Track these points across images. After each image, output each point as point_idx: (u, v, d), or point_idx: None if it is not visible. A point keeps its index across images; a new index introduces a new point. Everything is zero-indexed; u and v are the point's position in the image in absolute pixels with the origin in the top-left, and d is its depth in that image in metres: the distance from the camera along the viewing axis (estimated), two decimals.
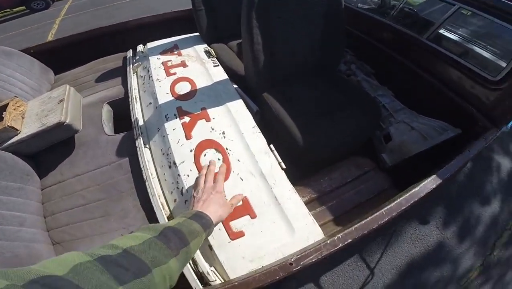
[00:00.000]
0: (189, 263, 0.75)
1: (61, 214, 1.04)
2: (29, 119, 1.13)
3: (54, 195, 1.09)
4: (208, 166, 0.84)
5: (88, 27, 1.77)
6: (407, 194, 0.82)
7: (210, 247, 0.78)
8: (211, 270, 0.74)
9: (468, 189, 1.84)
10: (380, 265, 1.53)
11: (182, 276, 0.73)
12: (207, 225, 0.62)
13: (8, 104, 1.14)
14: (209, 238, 0.78)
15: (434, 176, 0.87)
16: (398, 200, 0.81)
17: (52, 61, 1.67)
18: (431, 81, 1.28)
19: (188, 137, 0.99)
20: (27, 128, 1.09)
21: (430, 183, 0.85)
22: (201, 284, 0.72)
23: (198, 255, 0.76)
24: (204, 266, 0.74)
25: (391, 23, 1.44)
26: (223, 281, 0.75)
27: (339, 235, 0.74)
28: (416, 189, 0.83)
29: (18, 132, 1.09)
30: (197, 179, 0.81)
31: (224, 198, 0.76)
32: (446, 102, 1.23)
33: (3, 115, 1.10)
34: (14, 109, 1.14)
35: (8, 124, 1.05)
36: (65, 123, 1.05)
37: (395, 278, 1.49)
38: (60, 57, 1.70)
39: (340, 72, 1.62)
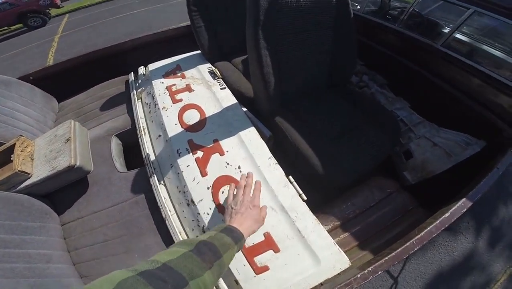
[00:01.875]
0: None
1: (84, 249, 1.04)
2: (38, 161, 1.11)
3: (74, 231, 1.08)
4: (246, 178, 0.86)
5: (88, 44, 1.74)
6: (437, 222, 0.79)
7: (236, 281, 0.78)
8: None
9: (495, 195, 1.79)
10: (404, 274, 1.51)
11: None
12: (238, 238, 0.63)
13: (14, 145, 1.12)
14: (235, 273, 0.79)
15: (464, 199, 0.83)
16: (428, 228, 0.78)
17: (53, 87, 1.63)
18: (449, 90, 1.23)
19: (203, 174, 0.96)
20: (38, 171, 1.07)
21: (460, 207, 0.82)
22: None
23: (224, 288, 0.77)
24: None
25: (401, 29, 1.38)
26: None
27: (370, 269, 0.73)
28: (447, 215, 0.81)
29: (30, 175, 1.07)
30: (236, 191, 0.82)
31: (259, 213, 0.78)
32: (466, 112, 1.19)
33: (11, 158, 1.08)
34: (21, 151, 1.12)
35: (19, 169, 1.03)
36: (76, 166, 1.02)
37: (421, 285, 1.47)
38: (61, 82, 1.65)
39: (351, 84, 1.55)
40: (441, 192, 1.05)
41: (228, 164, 0.98)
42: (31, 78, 1.57)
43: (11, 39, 6.07)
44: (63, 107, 1.62)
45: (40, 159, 1.12)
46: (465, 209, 0.82)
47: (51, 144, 1.13)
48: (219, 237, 0.58)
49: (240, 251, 0.81)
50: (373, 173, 1.19)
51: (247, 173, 0.88)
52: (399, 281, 1.49)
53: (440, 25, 1.37)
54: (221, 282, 0.78)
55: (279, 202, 0.89)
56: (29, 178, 1.07)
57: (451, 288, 1.46)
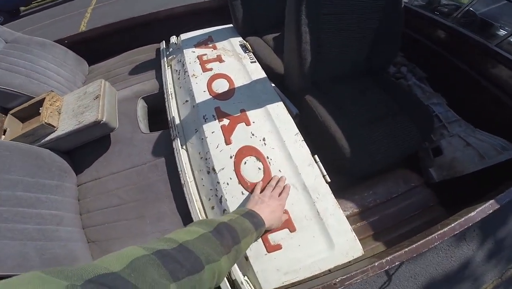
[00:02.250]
0: None
1: (97, 212, 1.04)
2: (66, 115, 1.12)
3: (89, 192, 1.09)
4: (278, 181, 0.83)
5: (120, 16, 1.74)
6: (462, 219, 0.75)
7: (246, 257, 0.77)
8: (245, 280, 0.74)
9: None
10: (399, 273, 1.49)
11: None
12: (259, 224, 0.61)
13: (44, 99, 1.14)
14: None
15: (492, 201, 0.78)
16: (452, 224, 0.74)
17: (86, 52, 1.67)
18: (494, 92, 1.15)
19: (227, 142, 0.94)
20: (64, 125, 1.08)
21: (487, 208, 0.77)
22: None
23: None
24: (238, 275, 0.74)
25: (453, 25, 1.29)
26: None
27: (388, 258, 0.70)
28: (473, 214, 0.76)
29: (55, 128, 1.08)
30: (266, 187, 0.81)
31: (281, 212, 0.77)
32: (508, 117, 1.10)
33: (40, 110, 1.10)
34: (50, 104, 1.13)
35: (45, 121, 1.04)
36: (102, 122, 1.02)
37: (411, 286, 1.45)
38: (93, 47, 1.69)
39: (388, 74, 1.47)
40: (463, 193, 1.01)
41: (253, 134, 0.95)
42: (65, 41, 1.61)
43: (47, 10, 6.29)
44: (93, 70, 1.65)
45: (67, 113, 1.13)
46: (491, 211, 0.77)
47: (80, 100, 1.14)
48: (240, 221, 0.55)
49: None
50: (397, 165, 1.14)
51: (280, 177, 0.85)
52: (393, 279, 1.46)
53: (495, 27, 1.28)
54: None
55: (301, 180, 0.86)
56: (55, 131, 1.08)
57: None
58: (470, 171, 1.05)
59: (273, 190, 0.79)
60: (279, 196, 0.78)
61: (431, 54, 1.43)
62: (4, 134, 1.12)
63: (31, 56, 1.35)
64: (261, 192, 0.79)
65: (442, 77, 1.40)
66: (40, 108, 1.10)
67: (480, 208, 0.76)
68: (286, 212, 0.81)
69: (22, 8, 6.67)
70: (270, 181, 0.84)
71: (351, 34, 1.13)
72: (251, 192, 0.83)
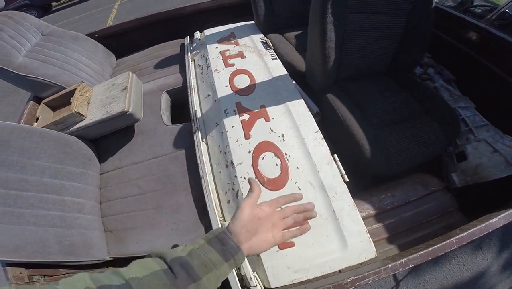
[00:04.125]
0: None
1: (116, 201, 1.08)
2: (94, 105, 1.18)
3: (111, 181, 1.14)
4: (303, 204, 0.62)
5: (146, 12, 1.80)
6: (483, 225, 0.71)
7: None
8: (254, 276, 0.74)
9: None
10: (408, 279, 1.44)
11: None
12: (229, 253, 0.46)
13: (75, 89, 1.20)
14: None
15: None
16: (472, 230, 0.71)
17: (114, 46, 1.74)
18: None
19: (247, 136, 0.95)
20: (92, 114, 1.14)
21: (510, 215, 0.73)
22: (241, 287, 0.73)
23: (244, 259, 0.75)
24: (247, 270, 0.74)
25: (487, 27, 1.23)
26: (263, 287, 0.75)
27: (402, 260, 0.68)
28: (494, 220, 0.72)
29: (84, 117, 1.14)
30: (283, 209, 0.59)
31: (276, 237, 0.55)
32: None
33: (70, 100, 1.16)
34: (80, 95, 1.19)
35: (75, 110, 1.10)
36: (128, 112, 1.07)
37: None
38: (121, 41, 1.77)
39: (414, 75, 1.43)
40: (485, 200, 0.97)
41: (272, 130, 0.96)
42: (96, 35, 1.69)
43: (76, 6, 6.58)
44: (120, 63, 1.72)
45: (96, 103, 1.19)
46: None
47: (108, 91, 1.20)
48: (204, 252, 0.44)
49: None
50: (418, 168, 1.09)
51: (308, 204, 0.62)
52: (401, 285, 1.42)
53: None
54: None
55: (319, 179, 0.86)
56: (83, 120, 1.14)
57: None
58: (495, 178, 1.00)
59: (284, 216, 0.58)
60: (284, 229, 0.57)
61: (460, 56, 1.37)
62: (36, 122, 1.19)
63: (64, 49, 1.43)
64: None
65: (471, 80, 1.34)
66: (71, 98, 1.16)
67: (502, 215, 0.73)
68: None
69: (54, 4, 7.01)
70: (294, 207, 0.60)
71: (378, 33, 1.11)
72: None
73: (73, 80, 1.34)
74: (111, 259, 1.00)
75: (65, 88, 1.28)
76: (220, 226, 0.84)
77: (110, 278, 0.35)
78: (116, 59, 1.76)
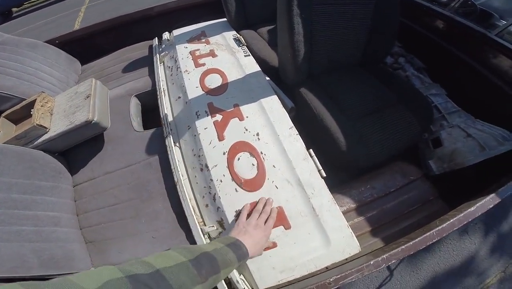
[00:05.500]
0: None
1: (93, 212, 1.03)
2: (57, 116, 1.11)
3: (85, 192, 1.08)
4: (265, 205, 0.79)
5: (113, 15, 1.71)
6: (461, 215, 0.72)
7: None
8: (240, 279, 0.73)
9: None
10: (401, 267, 1.47)
11: None
12: (242, 256, 0.61)
13: (35, 100, 1.12)
14: None
15: (493, 194, 0.75)
16: (451, 220, 0.72)
17: (78, 51, 1.65)
18: (495, 81, 1.13)
19: (220, 138, 0.92)
20: (56, 125, 1.07)
21: (488, 202, 0.74)
22: None
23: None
24: (233, 274, 0.73)
25: (451, 15, 1.26)
26: None
27: (384, 256, 0.68)
28: (472, 209, 0.73)
29: (47, 130, 1.07)
30: (252, 213, 0.77)
31: (265, 240, 0.74)
32: (509, 107, 1.08)
33: (31, 112, 1.08)
34: (41, 106, 1.12)
35: (37, 123, 1.03)
36: (93, 121, 1.01)
37: (413, 281, 1.44)
38: (85, 46, 1.68)
39: (385, 64, 1.45)
40: (464, 186, 0.99)
41: (246, 129, 0.93)
42: (56, 41, 1.59)
43: (40, 10, 6.21)
44: (86, 69, 1.63)
45: (59, 114, 1.12)
46: (492, 205, 0.75)
47: (71, 100, 1.13)
48: (224, 251, 0.55)
49: None
50: (396, 158, 1.11)
51: (267, 199, 0.80)
52: (394, 274, 1.45)
53: (494, 17, 1.26)
54: None
55: (296, 176, 0.84)
56: (47, 132, 1.07)
57: (443, 284, 1.43)
58: (471, 163, 1.02)
59: (259, 216, 0.76)
60: (265, 224, 0.75)
61: (429, 45, 1.40)
62: None
63: (22, 58, 1.33)
64: (247, 218, 0.76)
65: (441, 67, 1.38)
66: (32, 110, 1.08)
67: (480, 203, 0.74)
68: (280, 208, 0.80)
69: (14, 9, 6.60)
70: (257, 204, 0.79)
71: (346, 24, 1.10)
72: (236, 217, 0.79)
73: (33, 91, 1.25)
74: None
75: (25, 99, 1.19)
76: (199, 230, 0.82)
77: (138, 267, 0.36)
78: (82, 65, 1.66)
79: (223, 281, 0.72)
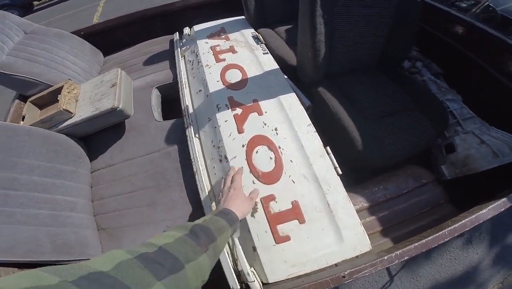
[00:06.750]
0: (230, 261, 0.76)
1: (109, 199, 1.06)
2: (83, 102, 1.15)
3: (103, 179, 1.11)
4: (228, 171, 0.86)
5: (131, 10, 1.76)
6: (473, 216, 0.74)
7: (254, 248, 0.78)
8: (251, 271, 0.74)
9: None
10: (401, 273, 1.47)
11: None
12: (232, 220, 0.64)
13: (62, 87, 1.17)
14: (255, 238, 0.78)
15: (504, 199, 0.76)
16: (463, 221, 0.73)
17: (100, 43, 1.70)
18: None
19: (240, 130, 0.95)
20: (81, 111, 1.11)
21: (499, 206, 0.76)
22: (238, 283, 0.73)
23: (241, 254, 0.76)
24: (244, 265, 0.74)
25: (472, 21, 1.26)
26: (261, 282, 0.75)
27: (398, 252, 0.70)
28: (484, 211, 0.74)
29: (72, 115, 1.11)
30: (223, 181, 0.83)
31: (243, 194, 0.77)
32: None
33: (58, 98, 1.13)
34: (68, 92, 1.17)
35: (63, 108, 1.07)
36: (118, 109, 1.05)
37: (413, 287, 1.43)
38: (107, 39, 1.73)
39: (402, 68, 1.46)
40: (474, 192, 0.99)
41: (265, 124, 0.96)
42: (81, 33, 1.65)
43: (60, 4, 6.38)
44: (107, 60, 1.69)
45: (84, 100, 1.16)
46: (503, 209, 0.76)
47: (97, 88, 1.17)
48: (214, 220, 0.58)
49: (264, 216, 0.80)
50: (409, 161, 1.12)
51: (230, 167, 0.87)
52: (394, 280, 1.45)
53: None
54: (238, 247, 0.77)
55: (313, 172, 0.86)
56: (72, 117, 1.11)
57: None
58: (483, 169, 1.03)
59: (231, 182, 0.80)
60: (235, 184, 0.79)
61: (447, 50, 1.40)
62: (23, 120, 1.16)
63: (49, 47, 1.39)
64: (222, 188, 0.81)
65: (458, 73, 1.37)
66: (58, 96, 1.13)
67: (491, 206, 0.75)
68: (295, 203, 0.82)
69: (35, 3, 6.78)
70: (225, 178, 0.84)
71: (367, 26, 1.12)
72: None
73: (59, 78, 1.30)
74: None
75: (52, 86, 1.24)
76: None
77: (142, 248, 0.38)
78: (104, 57, 1.72)
79: (233, 272, 0.74)
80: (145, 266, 0.34)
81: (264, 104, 1.01)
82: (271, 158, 0.89)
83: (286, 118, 0.97)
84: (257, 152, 0.91)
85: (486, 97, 1.26)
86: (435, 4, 1.44)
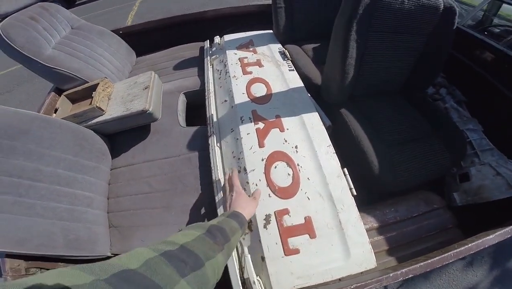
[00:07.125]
0: (237, 268, 0.78)
1: (125, 198, 1.09)
2: (114, 101, 1.22)
3: (122, 177, 1.15)
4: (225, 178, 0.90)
5: (164, 10, 1.84)
6: (480, 240, 0.75)
7: (263, 258, 0.79)
8: (257, 280, 0.75)
9: None
10: None
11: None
12: (242, 222, 0.67)
13: (98, 84, 1.24)
14: (265, 249, 0.80)
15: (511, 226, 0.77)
16: (469, 245, 0.75)
17: (135, 44, 1.79)
18: None
19: (261, 144, 0.97)
20: (112, 110, 1.18)
21: (506, 233, 0.77)
22: None
23: (249, 263, 0.78)
24: (251, 274, 0.75)
25: (504, 49, 1.24)
26: None
27: (403, 270, 0.71)
28: (490, 237, 0.76)
29: (103, 112, 1.17)
30: (224, 190, 0.87)
31: (246, 196, 0.79)
32: None
33: (92, 94, 1.20)
34: (103, 90, 1.23)
35: (97, 105, 1.13)
36: (148, 111, 1.10)
37: None
38: (141, 40, 1.82)
39: (426, 94, 1.45)
40: (483, 220, 1.00)
41: (286, 141, 0.98)
42: (120, 32, 1.75)
43: (98, 1, 6.70)
44: (139, 61, 1.77)
45: (116, 100, 1.23)
46: (510, 236, 0.77)
47: (130, 89, 1.24)
48: (227, 221, 0.61)
49: (277, 228, 0.82)
50: (422, 185, 1.13)
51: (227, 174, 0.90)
52: None
53: None
54: (248, 256, 0.79)
55: (328, 191, 0.88)
56: (102, 115, 1.17)
57: None
58: (495, 199, 1.04)
59: (232, 188, 0.83)
60: (236, 189, 0.81)
61: (473, 77, 1.39)
62: (55, 113, 1.23)
63: (91, 43, 1.48)
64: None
65: (482, 102, 1.36)
66: (93, 92, 1.20)
67: (499, 232, 0.76)
68: (308, 218, 0.83)
69: None
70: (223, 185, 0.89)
71: (397, 52, 1.13)
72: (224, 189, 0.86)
73: (95, 75, 1.38)
74: (112, 255, 0.99)
75: (87, 82, 1.32)
76: None
77: (165, 246, 0.39)
78: (136, 57, 1.80)
79: (239, 280, 0.75)
80: (170, 263, 0.35)
81: (286, 121, 1.04)
82: (289, 174, 0.91)
83: (307, 137, 0.99)
84: (275, 167, 0.93)
85: (509, 129, 1.24)
86: (466, 30, 1.42)
